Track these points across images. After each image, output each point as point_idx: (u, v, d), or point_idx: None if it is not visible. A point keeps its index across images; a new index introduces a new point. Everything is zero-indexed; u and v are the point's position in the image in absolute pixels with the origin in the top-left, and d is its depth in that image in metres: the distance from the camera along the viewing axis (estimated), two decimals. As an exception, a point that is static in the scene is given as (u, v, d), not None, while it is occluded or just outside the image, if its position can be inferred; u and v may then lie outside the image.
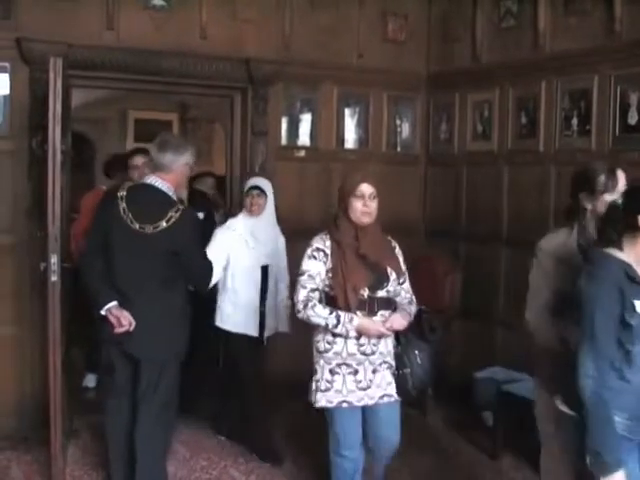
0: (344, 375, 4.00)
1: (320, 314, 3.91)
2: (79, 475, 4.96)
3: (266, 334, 5.30)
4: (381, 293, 4.03)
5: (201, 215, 5.66)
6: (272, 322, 5.33)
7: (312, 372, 4.09)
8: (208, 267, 4.52)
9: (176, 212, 4.17)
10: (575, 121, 5.62)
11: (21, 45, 5.40)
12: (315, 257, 3.98)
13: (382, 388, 4.06)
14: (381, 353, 4.06)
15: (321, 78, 6.59)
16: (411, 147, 7.10)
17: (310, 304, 3.92)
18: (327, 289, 3.98)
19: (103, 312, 4.21)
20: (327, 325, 3.91)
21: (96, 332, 4.43)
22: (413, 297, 4.23)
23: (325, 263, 3.97)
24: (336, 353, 4.00)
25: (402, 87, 6.97)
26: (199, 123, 10.32)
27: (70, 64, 5.18)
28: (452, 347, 6.37)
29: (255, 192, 5.23)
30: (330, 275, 3.95)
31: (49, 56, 4.60)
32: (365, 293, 3.96)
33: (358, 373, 4.01)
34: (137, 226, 4.15)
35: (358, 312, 3.94)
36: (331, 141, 6.74)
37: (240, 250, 5.17)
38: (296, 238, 6.36)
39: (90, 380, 6.60)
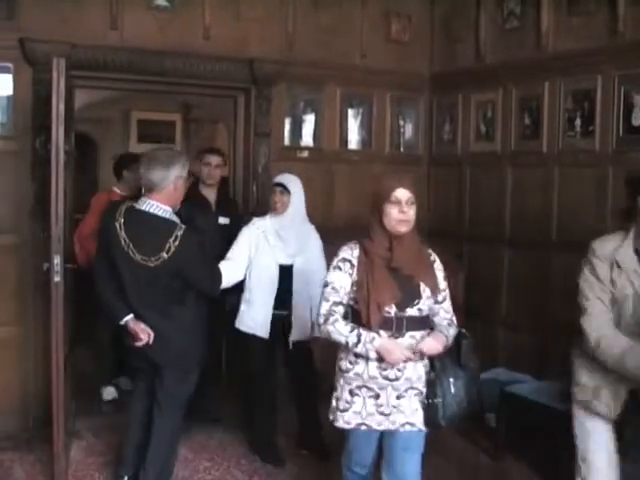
0: (364, 398, 3.65)
1: (340, 331, 3.55)
2: (82, 475, 4.97)
3: (292, 338, 5.15)
4: (411, 312, 3.61)
5: (226, 220, 5.68)
6: (301, 326, 5.16)
7: (333, 387, 3.79)
8: (215, 275, 4.51)
9: (174, 240, 4.09)
10: (578, 122, 5.61)
11: (24, 45, 5.41)
12: (340, 268, 3.63)
13: (406, 415, 3.67)
14: (408, 379, 3.66)
15: (324, 78, 6.58)
16: (414, 148, 7.10)
17: (331, 319, 3.57)
18: (352, 303, 3.63)
19: (121, 323, 4.28)
20: (347, 343, 3.55)
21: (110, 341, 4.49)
22: (454, 318, 3.80)
23: (351, 275, 3.61)
24: (357, 374, 3.64)
25: (405, 87, 6.97)
26: (202, 124, 10.31)
27: (73, 64, 5.18)
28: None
29: (278, 189, 5.12)
30: (355, 288, 3.60)
31: (52, 56, 4.60)
32: (392, 311, 3.57)
33: (380, 397, 3.65)
34: (139, 258, 4.12)
35: (382, 332, 3.56)
36: (334, 142, 6.74)
37: (260, 248, 5.10)
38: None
39: (109, 393, 6.40)
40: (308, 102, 6.61)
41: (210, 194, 5.78)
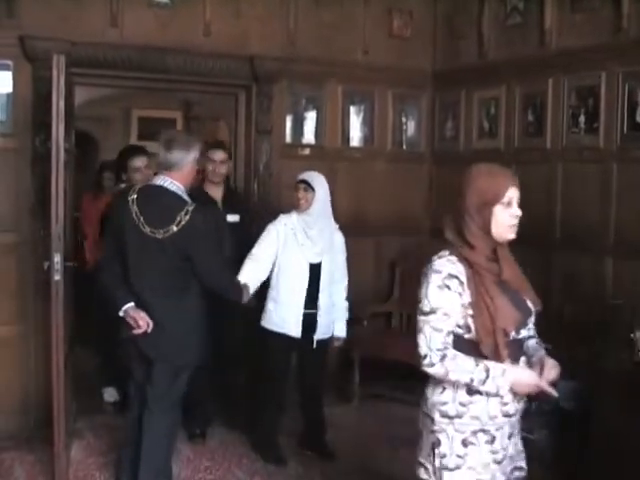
0: (480, 446, 2.94)
1: (465, 367, 2.84)
2: (82, 475, 4.97)
3: (316, 337, 5.17)
4: (524, 333, 3.03)
5: (235, 218, 5.60)
6: (325, 325, 5.21)
7: (431, 443, 3.00)
8: (225, 278, 4.50)
9: (186, 214, 4.13)
10: (582, 119, 5.58)
11: (24, 43, 5.41)
12: (449, 287, 2.89)
13: (514, 460, 3.06)
14: (518, 411, 3.05)
15: (326, 75, 6.59)
16: (417, 145, 7.10)
17: (449, 353, 2.87)
18: (458, 329, 2.92)
19: (121, 313, 4.25)
20: (471, 381, 2.85)
21: (108, 339, 4.48)
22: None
23: (461, 295, 2.89)
24: (474, 417, 2.92)
25: (408, 84, 6.97)
26: (203, 121, 10.26)
27: (73, 62, 5.17)
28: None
29: (302, 186, 5.09)
30: (469, 312, 2.89)
31: (52, 53, 4.60)
32: (511, 335, 2.94)
33: (495, 441, 2.96)
34: (148, 230, 4.15)
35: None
36: (336, 139, 6.75)
37: (288, 246, 5.08)
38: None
39: (110, 394, 6.33)
40: (310, 99, 6.62)
41: (216, 192, 5.61)
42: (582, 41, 5.56)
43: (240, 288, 4.72)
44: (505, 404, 2.93)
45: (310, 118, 6.65)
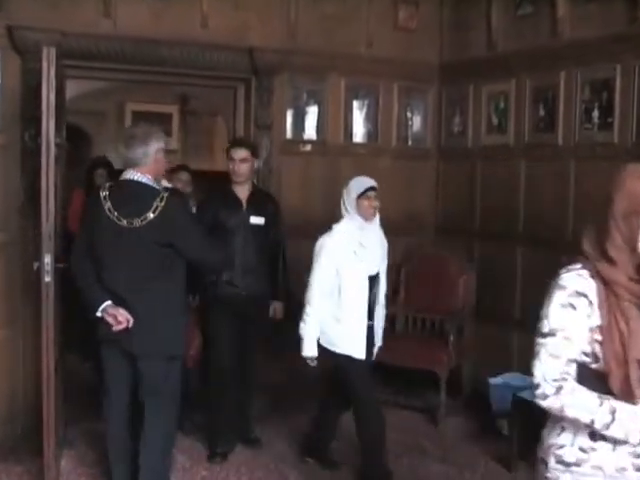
0: None
1: (585, 404, 2.43)
2: (73, 487, 4.95)
3: (375, 349, 5.06)
4: None
5: (259, 220, 5.48)
6: (380, 336, 5.10)
7: None
8: (211, 245, 4.55)
9: (161, 201, 4.20)
10: (596, 113, 5.57)
11: (13, 33, 5.39)
12: (574, 306, 2.49)
13: None
14: None
15: (328, 68, 6.58)
16: (423, 141, 7.10)
17: (567, 386, 2.45)
18: (584, 358, 2.50)
19: (99, 313, 4.24)
20: (592, 422, 2.43)
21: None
22: None
23: (589, 316, 2.49)
24: (595, 467, 2.50)
25: (413, 78, 6.96)
26: (200, 116, 10.32)
27: (64, 53, 5.15)
28: (465, 351, 6.34)
29: (373, 194, 4.82)
30: (597, 337, 2.48)
31: (42, 45, 4.61)
32: None
33: None
34: (125, 222, 4.20)
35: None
36: (339, 135, 6.73)
37: (348, 260, 4.80)
38: (299, 238, 6.38)
39: None
40: (311, 93, 6.61)
41: (242, 192, 5.43)
42: (596, 32, 5.53)
43: (223, 251, 4.80)
44: (638, 456, 2.48)
45: (312, 113, 6.63)
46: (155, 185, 4.34)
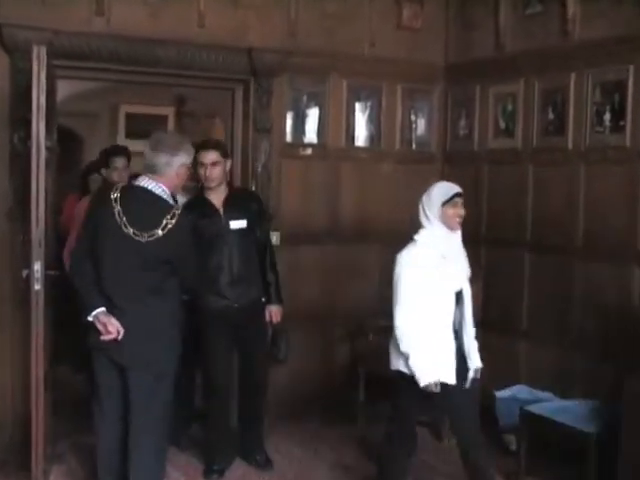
0: None
1: None
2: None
3: (471, 375, 4.57)
4: None
5: (240, 224, 5.38)
6: (475, 359, 4.62)
7: None
8: (198, 269, 4.62)
9: (172, 218, 4.21)
10: (608, 116, 5.55)
11: (1, 31, 5.37)
12: None
13: None
14: None
15: (329, 69, 6.55)
16: (427, 144, 7.07)
17: None
18: None
19: (90, 318, 4.24)
20: None
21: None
22: None
23: None
24: None
25: (418, 79, 6.94)
26: (197, 118, 10.29)
27: (56, 53, 5.15)
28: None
29: (460, 201, 4.47)
30: None
31: (32, 44, 4.63)
32: None
33: None
34: (131, 232, 4.19)
35: None
36: (340, 138, 6.70)
37: (430, 277, 4.38)
38: (299, 244, 6.38)
39: None
40: (312, 95, 6.59)
41: (216, 197, 5.33)
42: (608, 31, 5.52)
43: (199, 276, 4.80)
44: None
45: (312, 115, 6.61)
46: (169, 199, 4.34)
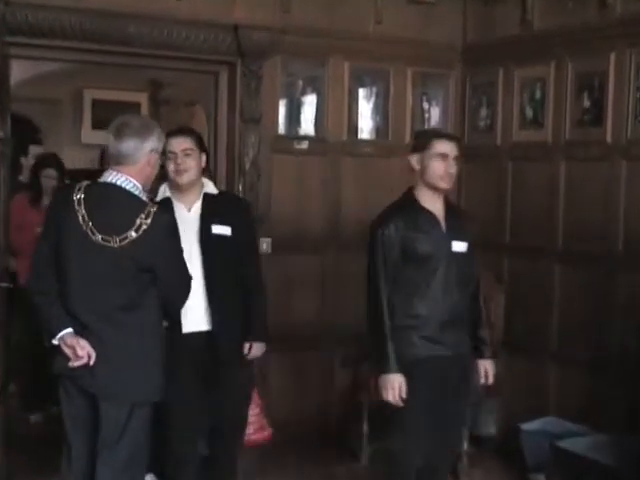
0: None
1: None
2: None
3: None
4: None
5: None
6: None
7: None
8: (186, 283, 4.46)
9: (146, 217, 4.11)
10: (654, 104, 5.59)
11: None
12: None
13: None
14: None
15: (329, 50, 6.58)
16: (442, 137, 7.05)
17: None
18: None
19: (55, 342, 4.16)
20: None
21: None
22: None
23: None
24: None
25: (431, 61, 6.98)
26: (175, 106, 10.33)
27: (9, 29, 5.25)
28: (492, 389, 6.27)
29: None
30: None
31: (-20, 18, 4.57)
32: None
33: None
34: (100, 238, 4.11)
35: None
36: (341, 130, 6.73)
37: None
38: (292, 252, 6.34)
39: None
40: (308, 80, 6.65)
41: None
42: (654, 5, 5.56)
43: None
44: None
45: (309, 103, 6.66)
46: (141, 195, 4.25)
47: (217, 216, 4.97)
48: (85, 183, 4.31)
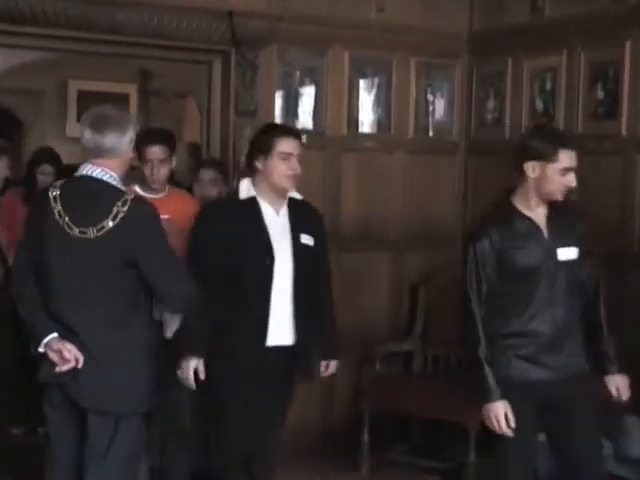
0: None
1: None
2: None
3: None
4: None
5: None
6: None
7: None
8: (182, 279, 4.36)
9: (123, 205, 4.11)
10: (672, 95, 5.61)
11: None
12: None
13: None
14: None
15: (328, 39, 6.58)
16: (447, 131, 7.13)
17: None
18: None
19: (41, 349, 4.13)
20: None
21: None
22: None
23: None
24: None
25: (436, 51, 6.99)
26: (166, 98, 10.34)
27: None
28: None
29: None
30: None
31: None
32: None
33: None
34: (77, 231, 4.11)
35: None
36: (341, 123, 6.74)
37: None
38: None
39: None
40: (306, 70, 6.65)
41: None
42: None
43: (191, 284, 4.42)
44: None
45: (307, 95, 6.67)
46: (119, 184, 4.24)
47: (304, 224, 4.93)
48: (60, 181, 4.34)
